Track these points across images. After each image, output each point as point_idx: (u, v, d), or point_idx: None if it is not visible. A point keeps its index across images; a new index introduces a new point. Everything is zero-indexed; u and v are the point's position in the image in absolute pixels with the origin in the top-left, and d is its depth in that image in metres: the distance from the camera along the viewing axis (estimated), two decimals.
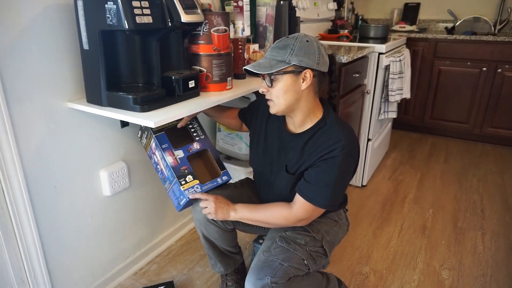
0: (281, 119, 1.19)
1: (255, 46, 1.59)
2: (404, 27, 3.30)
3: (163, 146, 1.25)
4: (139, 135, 1.39)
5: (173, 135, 1.30)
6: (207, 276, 1.59)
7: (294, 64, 1.02)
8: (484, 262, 1.68)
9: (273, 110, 1.10)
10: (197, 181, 1.24)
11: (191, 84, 1.19)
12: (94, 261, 1.43)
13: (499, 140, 3.08)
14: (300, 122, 1.12)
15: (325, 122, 1.10)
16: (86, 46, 1.08)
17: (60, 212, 1.25)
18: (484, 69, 2.88)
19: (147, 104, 1.08)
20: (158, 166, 1.30)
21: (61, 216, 1.26)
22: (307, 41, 1.03)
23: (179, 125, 1.33)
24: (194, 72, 1.23)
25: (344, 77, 1.85)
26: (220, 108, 1.42)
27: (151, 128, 1.27)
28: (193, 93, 1.22)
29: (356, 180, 2.38)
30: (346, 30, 2.67)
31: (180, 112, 1.09)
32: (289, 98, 1.06)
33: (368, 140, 2.31)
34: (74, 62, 1.17)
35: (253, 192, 1.37)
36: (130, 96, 1.07)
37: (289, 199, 1.15)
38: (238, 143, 1.75)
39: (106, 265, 1.49)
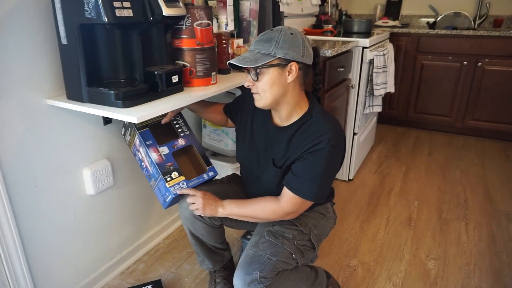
0: (266, 113, 1.18)
1: (239, 41, 1.58)
2: (387, 22, 3.33)
3: (148, 143, 1.23)
4: (122, 132, 1.36)
5: (158, 131, 1.28)
6: (195, 273, 1.57)
7: (279, 57, 1.01)
8: (468, 252, 1.72)
9: (260, 103, 1.09)
10: (183, 178, 1.23)
11: (175, 79, 1.17)
12: (79, 261, 1.40)
13: (481, 132, 3.14)
14: (286, 116, 1.12)
15: (311, 115, 1.10)
16: (64, 41, 1.05)
17: (41, 212, 1.22)
18: (465, 63, 2.94)
19: (129, 99, 1.06)
20: (142, 163, 1.28)
21: (42, 216, 1.23)
22: (291, 33, 1.02)
23: (163, 121, 1.31)
24: (177, 67, 1.21)
25: (329, 71, 1.86)
26: (204, 104, 1.41)
27: (135, 125, 1.25)
28: (177, 88, 1.20)
29: (342, 174, 2.40)
30: (330, 25, 2.68)
31: (163, 108, 1.08)
32: (276, 91, 1.05)
33: (354, 134, 2.33)
34: (52, 57, 1.14)
35: (240, 187, 1.36)
36: (112, 92, 1.04)
37: (276, 193, 1.14)
38: (224, 139, 1.74)
39: (91, 265, 1.46)
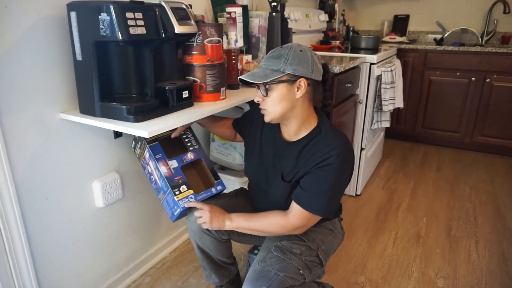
0: (275, 128, 1.20)
1: (248, 57, 1.60)
2: (394, 38, 3.36)
3: (157, 156, 1.25)
4: (132, 146, 1.38)
5: (167, 145, 1.30)
6: (202, 287, 1.57)
7: (288, 73, 1.03)
8: (478, 270, 1.69)
9: (268, 118, 1.10)
10: (191, 191, 1.24)
11: (185, 94, 1.19)
12: (87, 273, 1.41)
13: (490, 148, 3.12)
14: (295, 131, 1.13)
15: (319, 130, 1.11)
16: (79, 57, 1.08)
17: (51, 224, 1.24)
18: (473, 79, 2.94)
19: (141, 114, 1.08)
20: (152, 177, 1.29)
21: (52, 228, 1.24)
22: (301, 50, 1.04)
23: (173, 135, 1.32)
24: (188, 82, 1.23)
25: (337, 87, 1.88)
26: (214, 118, 1.42)
27: (145, 139, 1.27)
28: (187, 103, 1.22)
29: (350, 190, 2.39)
30: (338, 41, 2.71)
31: (174, 122, 1.09)
32: (284, 107, 1.06)
33: (362, 149, 2.33)
34: (67, 73, 1.17)
35: (247, 202, 1.37)
36: (124, 107, 1.07)
37: (285, 207, 1.14)
38: (232, 153, 1.75)
39: (98, 278, 1.46)
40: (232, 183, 1.74)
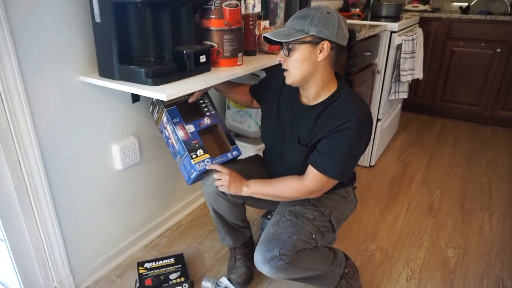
0: (294, 92, 1.19)
1: (266, 23, 1.57)
2: (417, 7, 3.22)
3: (174, 120, 1.27)
4: (150, 110, 1.40)
5: (184, 110, 1.31)
6: (216, 249, 1.63)
7: (312, 35, 1.01)
8: (490, 242, 1.70)
9: (289, 80, 1.10)
10: (208, 155, 1.26)
11: (202, 59, 1.19)
12: (107, 232, 1.47)
13: (510, 123, 3.04)
14: (314, 95, 1.12)
15: (339, 95, 1.11)
16: (98, 19, 1.08)
17: (73, 183, 1.29)
18: (498, 50, 2.82)
19: (159, 77, 1.09)
20: (169, 140, 1.32)
21: (74, 187, 1.29)
22: (328, 12, 1.02)
23: (190, 100, 1.33)
24: (205, 47, 1.22)
25: (355, 55, 1.83)
26: (230, 84, 1.42)
27: (163, 102, 1.28)
28: (204, 68, 1.22)
29: (364, 160, 2.38)
30: (358, 9, 2.62)
31: (191, 87, 1.10)
32: (305, 69, 1.06)
33: (378, 120, 2.30)
34: (86, 35, 1.18)
35: (262, 168, 1.39)
36: (142, 70, 1.07)
37: (301, 172, 1.16)
38: (248, 120, 1.76)
39: (118, 237, 1.53)
40: (247, 150, 1.76)
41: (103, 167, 1.38)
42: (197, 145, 1.27)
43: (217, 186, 1.23)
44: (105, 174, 1.39)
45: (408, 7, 3.27)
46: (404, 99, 3.01)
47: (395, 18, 2.41)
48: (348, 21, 2.34)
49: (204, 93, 1.38)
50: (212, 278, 1.42)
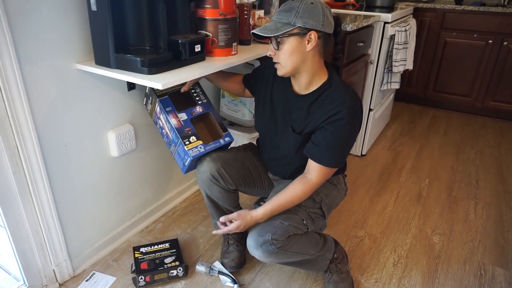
0: (286, 82, 1.23)
1: (260, 12, 1.59)
2: None
3: (167, 109, 1.29)
4: (144, 102, 1.42)
5: (177, 99, 1.34)
6: (209, 235, 1.67)
7: (299, 26, 1.04)
8: (474, 229, 1.76)
9: (280, 72, 1.14)
10: (201, 142, 1.30)
11: (197, 48, 1.21)
12: (103, 217, 1.51)
13: (500, 114, 3.10)
14: (306, 84, 1.16)
15: (330, 84, 1.14)
16: (94, 7, 1.09)
17: (70, 170, 1.31)
18: (490, 41, 2.86)
19: (155, 66, 1.11)
20: (163, 130, 1.34)
21: (72, 173, 1.32)
22: (312, 3, 1.05)
23: (182, 90, 1.36)
24: (200, 36, 1.24)
25: (349, 45, 1.86)
26: (222, 74, 1.45)
27: (155, 93, 1.31)
28: (199, 57, 1.24)
29: (355, 149, 2.43)
30: None
31: (186, 76, 1.12)
32: (295, 60, 1.09)
33: (370, 110, 2.34)
34: (82, 24, 1.19)
35: (256, 156, 1.42)
36: (138, 58, 1.09)
37: (294, 160, 1.20)
38: (242, 109, 1.79)
39: (114, 222, 1.57)
40: (241, 139, 1.79)
41: (99, 154, 1.40)
42: (190, 132, 1.31)
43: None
44: (101, 160, 1.42)
45: None
46: (397, 89, 3.05)
47: (389, 9, 2.43)
48: (343, 11, 2.36)
49: (196, 83, 1.40)
50: (206, 263, 1.47)
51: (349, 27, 1.80)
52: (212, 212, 1.45)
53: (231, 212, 1.45)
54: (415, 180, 2.19)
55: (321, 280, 1.44)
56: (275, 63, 1.14)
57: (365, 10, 2.33)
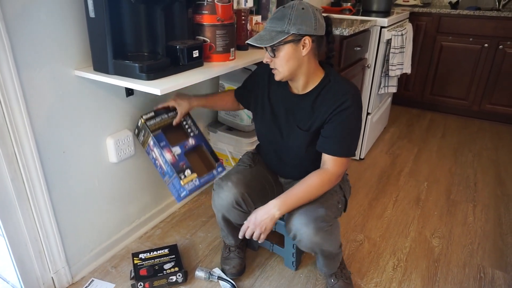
0: (283, 85, 1.24)
1: (257, 18, 1.60)
2: (407, 1, 3.26)
3: (161, 144, 1.33)
4: (135, 133, 1.44)
5: (169, 131, 1.37)
6: (209, 240, 1.67)
7: (293, 33, 1.06)
8: (473, 232, 1.76)
9: (278, 77, 1.16)
10: (195, 175, 1.34)
11: (195, 54, 1.22)
12: (102, 224, 1.50)
13: (497, 117, 3.11)
14: (304, 85, 1.18)
15: (329, 80, 1.17)
16: (92, 14, 1.10)
17: (69, 176, 1.31)
18: (486, 45, 2.88)
19: (153, 72, 1.11)
20: (156, 162, 1.37)
21: (70, 180, 1.32)
22: (303, 8, 1.07)
23: (174, 123, 1.39)
24: (198, 42, 1.25)
25: (345, 50, 1.87)
26: (213, 97, 1.48)
27: (148, 128, 1.33)
28: (197, 63, 1.24)
29: None
30: (349, 3, 2.65)
31: (184, 81, 1.13)
32: (292, 65, 1.11)
33: (368, 114, 2.35)
34: (81, 30, 1.19)
35: (264, 167, 1.41)
36: (136, 65, 1.10)
37: (305, 159, 1.22)
38: (240, 114, 1.79)
39: (113, 228, 1.56)
40: (239, 144, 1.80)
41: (97, 160, 1.40)
42: (184, 166, 1.34)
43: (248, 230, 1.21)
44: (100, 167, 1.42)
45: (399, 1, 3.30)
46: (395, 93, 3.07)
47: (386, 13, 2.45)
48: (339, 16, 2.38)
49: (187, 114, 1.44)
50: (205, 268, 1.46)
51: (345, 31, 1.81)
52: (223, 227, 1.41)
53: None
54: (413, 183, 2.19)
55: (321, 285, 1.44)
56: (272, 68, 1.15)
57: (361, 15, 2.35)
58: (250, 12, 1.60)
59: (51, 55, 1.14)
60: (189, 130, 1.43)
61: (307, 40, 1.08)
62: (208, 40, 1.29)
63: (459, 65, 3.04)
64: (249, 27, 1.52)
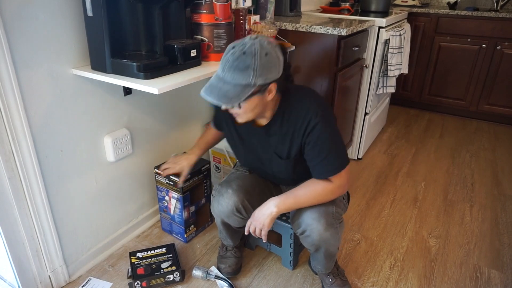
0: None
1: (256, 17, 1.60)
2: (406, 2, 3.27)
3: (185, 204, 1.54)
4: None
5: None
6: (206, 239, 1.67)
7: (259, 85, 0.97)
8: (469, 232, 1.77)
9: (241, 120, 1.08)
10: (195, 229, 1.68)
11: (193, 53, 1.22)
12: (99, 223, 1.50)
13: (494, 117, 3.12)
14: (268, 117, 1.13)
15: (287, 101, 1.11)
16: (90, 13, 1.10)
17: (66, 175, 1.31)
18: (484, 46, 2.89)
19: (151, 71, 1.11)
20: (167, 205, 1.59)
21: (68, 179, 1.32)
22: (266, 54, 0.96)
23: (179, 185, 1.48)
24: (196, 41, 1.25)
25: (343, 50, 1.87)
26: (204, 140, 1.47)
27: (176, 187, 1.51)
28: (195, 62, 1.25)
29: (352, 153, 2.44)
30: (348, 3, 2.66)
31: (182, 80, 1.13)
32: (257, 111, 1.06)
33: (366, 114, 2.36)
34: (78, 29, 1.19)
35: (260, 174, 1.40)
36: (134, 64, 1.10)
37: (298, 175, 1.19)
38: None
39: (110, 227, 1.56)
40: None
41: (95, 159, 1.40)
42: (191, 221, 1.61)
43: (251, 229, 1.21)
44: (97, 165, 1.42)
45: (398, 1, 3.31)
46: (393, 93, 3.08)
47: (384, 13, 2.46)
48: (338, 16, 2.38)
49: (208, 175, 1.61)
50: (202, 267, 1.46)
51: (344, 31, 1.81)
52: (222, 229, 1.41)
53: (241, 228, 1.39)
54: (411, 183, 2.20)
55: (318, 284, 1.44)
56: (234, 114, 1.08)
57: (360, 15, 2.35)
58: (248, 11, 1.60)
59: (49, 54, 1.14)
60: (205, 190, 1.63)
61: (273, 87, 1.00)
62: (206, 40, 1.29)
63: (457, 65, 3.05)
64: (247, 26, 1.52)
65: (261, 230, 1.17)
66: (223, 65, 0.97)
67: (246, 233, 1.22)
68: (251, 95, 0.98)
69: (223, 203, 1.25)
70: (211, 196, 1.32)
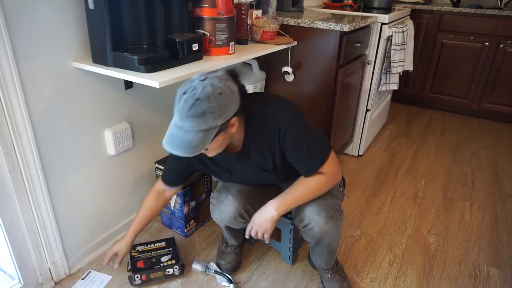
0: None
1: (258, 12, 1.59)
2: None
3: (185, 199, 1.56)
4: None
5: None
6: (206, 234, 1.67)
7: (221, 123, 0.95)
8: (469, 229, 1.77)
9: (212, 155, 1.07)
10: (195, 223, 1.69)
11: (195, 47, 1.22)
12: (100, 216, 1.51)
13: (496, 116, 3.12)
14: (239, 142, 1.12)
15: (252, 118, 1.09)
16: (91, 6, 1.09)
17: (67, 168, 1.31)
18: (487, 44, 2.87)
19: (152, 65, 1.11)
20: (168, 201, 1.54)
21: (68, 172, 1.32)
22: (220, 93, 0.92)
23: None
24: (197, 35, 1.25)
25: (345, 46, 1.86)
26: (138, 219, 1.37)
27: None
28: (196, 56, 1.24)
29: (352, 150, 2.44)
30: None
31: (183, 74, 1.13)
32: (225, 144, 1.06)
33: (367, 110, 2.35)
34: (80, 22, 1.19)
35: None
36: (135, 57, 1.10)
37: (291, 178, 1.19)
38: None
39: (111, 221, 1.57)
40: None
41: (96, 153, 1.40)
42: (191, 215, 1.63)
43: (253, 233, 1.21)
44: (98, 159, 1.42)
45: None
46: (394, 90, 3.07)
47: (387, 10, 2.44)
48: (340, 11, 2.37)
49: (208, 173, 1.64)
50: (202, 261, 1.47)
51: (346, 27, 1.80)
52: (225, 231, 1.41)
53: (243, 228, 1.39)
54: (411, 180, 2.19)
55: (317, 280, 1.44)
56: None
57: (362, 11, 2.34)
58: (251, 6, 1.59)
59: (50, 47, 1.13)
60: (205, 185, 1.64)
61: (235, 120, 0.98)
62: (208, 34, 1.29)
63: (460, 63, 3.04)
64: (249, 21, 1.52)
65: (263, 234, 1.17)
66: (179, 113, 0.92)
67: (247, 237, 1.22)
68: (215, 136, 0.96)
69: (224, 211, 1.24)
70: (210, 204, 1.32)
